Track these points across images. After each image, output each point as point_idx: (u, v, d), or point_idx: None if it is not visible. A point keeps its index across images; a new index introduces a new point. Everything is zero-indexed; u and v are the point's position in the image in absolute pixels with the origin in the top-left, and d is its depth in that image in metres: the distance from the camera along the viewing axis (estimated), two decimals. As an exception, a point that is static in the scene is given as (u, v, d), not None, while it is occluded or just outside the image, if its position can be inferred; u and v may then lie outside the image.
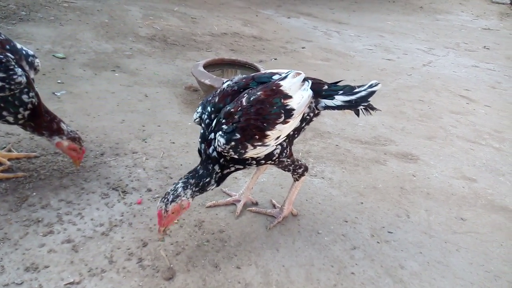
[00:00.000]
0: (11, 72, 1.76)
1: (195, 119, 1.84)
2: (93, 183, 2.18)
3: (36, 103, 1.94)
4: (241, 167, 1.80)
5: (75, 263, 1.67)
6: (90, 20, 4.79)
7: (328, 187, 2.42)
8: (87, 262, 1.68)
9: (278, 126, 1.66)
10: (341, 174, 2.60)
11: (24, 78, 1.82)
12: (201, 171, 1.76)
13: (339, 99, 1.84)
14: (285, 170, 1.93)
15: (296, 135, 1.85)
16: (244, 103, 1.65)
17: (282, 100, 1.67)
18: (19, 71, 1.80)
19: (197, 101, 3.41)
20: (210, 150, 1.72)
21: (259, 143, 1.64)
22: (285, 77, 1.75)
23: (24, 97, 1.86)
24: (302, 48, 5.58)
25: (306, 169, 1.97)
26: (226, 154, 1.66)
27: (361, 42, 6.43)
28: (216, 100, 1.76)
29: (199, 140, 1.81)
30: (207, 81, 3.17)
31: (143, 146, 2.61)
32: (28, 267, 1.61)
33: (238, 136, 1.60)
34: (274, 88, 1.70)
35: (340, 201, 2.32)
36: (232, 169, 1.80)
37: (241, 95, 1.71)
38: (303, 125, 1.84)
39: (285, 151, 1.80)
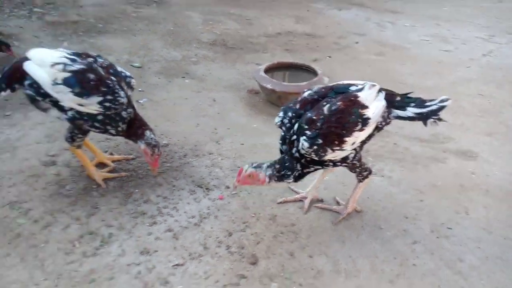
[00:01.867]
0: (116, 95, 2.13)
1: (276, 122, 2.12)
2: (181, 181, 2.56)
3: (132, 116, 2.32)
4: (320, 167, 2.08)
5: (177, 248, 2.05)
6: (157, 29, 5.26)
7: (388, 185, 2.61)
8: (186, 248, 2.05)
9: (355, 134, 1.90)
10: (400, 172, 2.76)
11: (126, 99, 2.19)
12: (287, 163, 2.04)
13: (410, 111, 2.03)
14: (352, 171, 2.17)
15: (367, 141, 2.07)
16: (326, 112, 1.90)
17: (360, 110, 1.91)
18: (122, 93, 2.16)
19: (259, 104, 3.71)
20: (293, 150, 2.00)
21: (338, 148, 1.90)
22: (361, 89, 1.98)
23: (123, 113, 2.23)
24: (356, 43, 5.65)
25: (370, 172, 2.19)
26: (307, 156, 1.93)
27: (417, 33, 6.32)
28: (298, 107, 2.04)
29: (280, 141, 2.11)
30: (268, 86, 3.45)
31: (218, 148, 2.96)
32: (142, 251, 2.02)
33: (320, 141, 1.87)
34: (352, 98, 1.94)
35: (400, 198, 2.50)
36: (312, 169, 2.08)
37: (320, 104, 1.96)
38: (375, 132, 2.06)
39: (358, 155, 2.04)
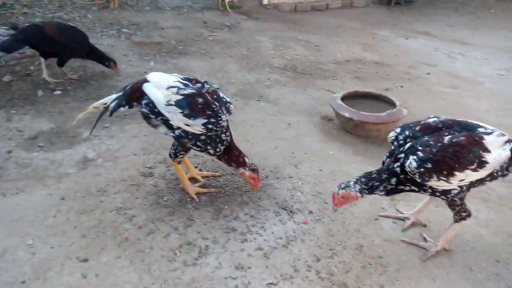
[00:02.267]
0: (219, 119, 2.32)
1: (390, 137, 2.20)
2: (265, 201, 2.69)
3: (229, 141, 2.51)
4: (416, 189, 2.10)
5: (269, 267, 2.15)
6: (232, 52, 5.57)
7: (475, 225, 2.55)
8: (277, 268, 2.15)
9: (468, 172, 1.93)
10: (487, 213, 2.69)
11: (226, 123, 2.38)
12: (374, 175, 2.14)
13: None
14: (450, 208, 2.16)
15: (476, 185, 2.07)
16: (445, 141, 1.95)
17: (481, 152, 1.93)
18: (223, 117, 2.35)
19: (333, 131, 3.79)
20: (395, 165, 2.07)
21: (444, 179, 1.93)
22: (490, 133, 2.01)
23: (223, 136, 2.42)
24: (427, 74, 5.59)
25: (469, 214, 2.17)
26: (410, 175, 1.98)
27: (490, 66, 6.13)
28: (417, 129, 2.12)
29: (387, 154, 2.20)
30: (346, 114, 3.53)
31: (297, 172, 3.07)
32: (237, 266, 2.15)
33: (429, 166, 1.91)
34: (477, 139, 1.96)
35: (489, 240, 2.44)
36: (407, 188, 2.12)
37: (442, 132, 2.02)
38: (487, 179, 2.05)
39: (461, 193, 2.04)
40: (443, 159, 1.90)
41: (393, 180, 2.09)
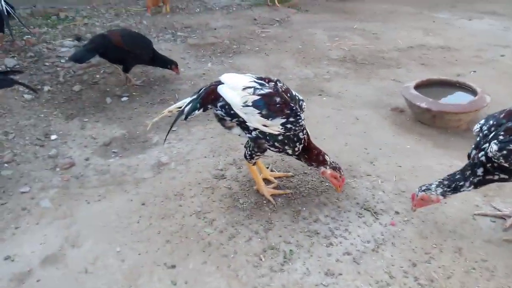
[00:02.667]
0: (297, 117, 2.23)
1: (475, 129, 2.11)
2: (345, 202, 2.55)
3: (306, 139, 2.40)
4: (506, 177, 1.99)
5: (361, 274, 2.02)
6: (286, 48, 5.44)
7: None
8: (371, 275, 2.01)
9: None
10: None
11: (304, 122, 2.27)
12: (457, 176, 2.10)
13: None
14: None
15: None
16: None
17: None
18: (302, 116, 2.25)
19: (407, 123, 3.54)
20: (480, 154, 1.98)
21: None
22: None
23: (300, 134, 2.32)
24: (501, 56, 5.09)
25: None
26: (495, 160, 1.89)
27: None
28: (501, 116, 2.01)
29: (472, 146, 2.08)
30: (422, 104, 3.27)
31: (374, 169, 2.88)
32: (327, 272, 2.04)
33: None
34: None
35: None
36: (496, 177, 2.01)
37: None
38: None
39: None
40: None
41: (480, 171, 2.01)
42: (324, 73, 4.67)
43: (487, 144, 1.94)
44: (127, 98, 4.12)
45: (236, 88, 2.25)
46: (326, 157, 2.42)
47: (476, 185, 2.07)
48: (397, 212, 2.43)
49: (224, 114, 2.32)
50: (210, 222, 2.39)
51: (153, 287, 2.00)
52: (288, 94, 2.34)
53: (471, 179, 2.04)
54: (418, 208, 2.22)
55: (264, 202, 2.55)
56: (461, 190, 2.08)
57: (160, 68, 4.53)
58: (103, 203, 2.62)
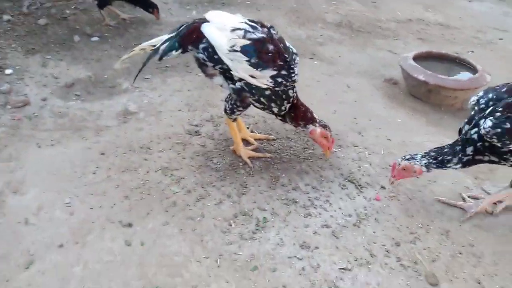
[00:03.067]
0: (291, 71, 1.93)
1: (471, 101, 1.92)
2: (328, 172, 2.32)
3: (295, 97, 2.12)
4: (495, 160, 1.83)
5: (340, 249, 1.83)
6: (280, 5, 5.03)
7: None
8: (350, 251, 1.82)
9: None
10: None
11: (297, 77, 1.98)
12: (446, 149, 1.93)
13: None
14: None
15: None
16: None
17: None
18: (296, 70, 1.95)
19: (400, 96, 3.31)
20: (472, 131, 1.81)
21: None
22: None
23: (290, 92, 2.04)
24: (500, 39, 4.89)
25: None
26: (487, 139, 1.72)
27: None
28: (503, 90, 1.82)
29: (465, 120, 1.92)
30: (420, 77, 3.03)
31: (361, 140, 2.66)
32: (302, 245, 1.83)
33: (508, 126, 1.66)
34: None
35: None
36: (486, 158, 1.85)
37: None
38: None
39: None
40: None
41: (470, 150, 1.85)
42: (317, 36, 4.33)
43: (483, 120, 1.76)
44: (98, 39, 3.68)
45: (224, 29, 1.92)
46: (314, 114, 2.17)
47: (464, 164, 1.91)
48: (383, 187, 2.23)
49: (206, 59, 1.99)
50: (178, 181, 2.12)
51: (104, 246, 1.74)
52: (282, 44, 2.03)
53: (459, 155, 1.88)
54: (398, 180, 2.03)
55: (240, 164, 2.30)
56: (447, 165, 1.92)
57: (141, 9, 4.07)
58: (56, 149, 2.30)
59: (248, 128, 2.62)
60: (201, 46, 1.96)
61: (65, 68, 3.18)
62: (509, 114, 1.68)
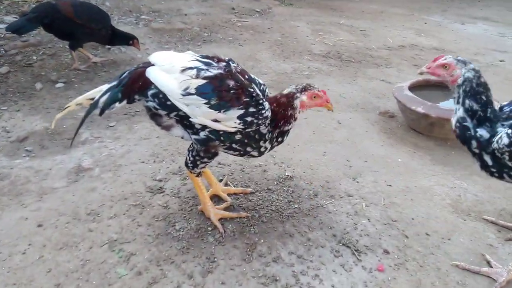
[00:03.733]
0: (260, 107, 1.59)
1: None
2: (318, 232, 1.89)
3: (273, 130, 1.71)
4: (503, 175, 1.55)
5: None
6: (264, 39, 4.79)
7: None
8: None
9: None
10: None
11: (269, 113, 1.62)
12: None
13: None
14: None
15: None
16: None
17: None
18: (266, 104, 1.61)
19: (399, 131, 2.93)
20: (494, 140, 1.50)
21: None
22: None
23: (263, 128, 1.66)
24: (500, 61, 4.59)
25: None
26: (499, 154, 1.49)
27: None
28: None
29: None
30: (419, 109, 2.66)
31: (357, 188, 2.25)
32: None
33: None
34: None
35: None
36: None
37: None
38: None
39: None
40: None
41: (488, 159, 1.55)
42: (304, 69, 4.03)
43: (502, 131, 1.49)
44: (62, 85, 3.37)
45: (173, 71, 1.59)
46: (287, 91, 1.69)
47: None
48: (386, 251, 1.79)
49: (158, 107, 1.65)
50: (127, 258, 1.69)
51: None
52: (246, 76, 1.71)
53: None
54: (430, 73, 1.64)
55: (209, 228, 1.87)
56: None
57: (115, 50, 3.83)
58: (-16, 222, 1.89)
59: (221, 180, 2.22)
60: (150, 92, 1.64)
61: (20, 120, 2.84)
62: None
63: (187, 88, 1.56)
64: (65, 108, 1.77)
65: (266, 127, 1.67)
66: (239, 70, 1.70)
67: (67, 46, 3.58)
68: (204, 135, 1.64)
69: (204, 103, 1.55)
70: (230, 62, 1.71)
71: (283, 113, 1.67)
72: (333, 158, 2.54)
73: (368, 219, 2.00)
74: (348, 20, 6.02)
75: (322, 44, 4.72)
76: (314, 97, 1.69)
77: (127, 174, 2.26)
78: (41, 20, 3.30)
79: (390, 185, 2.28)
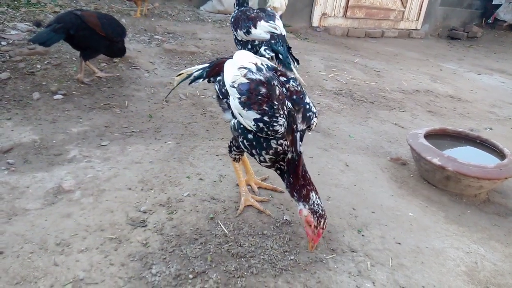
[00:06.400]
0: (274, 119, 1.71)
1: None
2: (314, 293, 1.65)
3: (291, 157, 1.79)
4: None
5: None
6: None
7: None
8: None
9: None
10: None
11: (283, 128, 1.72)
12: None
13: None
14: None
15: None
16: None
17: None
18: (281, 121, 1.71)
19: (411, 181, 2.71)
20: None
21: None
22: None
23: (273, 143, 1.77)
24: (519, 115, 4.41)
25: None
26: None
27: None
28: None
29: None
30: (435, 160, 2.45)
31: (362, 242, 2.01)
32: None
33: None
34: None
35: None
36: None
37: None
38: None
39: None
40: None
41: None
42: (314, 104, 3.87)
43: None
44: (61, 97, 3.23)
45: (235, 66, 1.88)
46: (312, 194, 1.79)
47: None
48: (392, 326, 1.53)
49: (218, 91, 1.99)
50: (90, 304, 1.46)
51: None
52: (294, 97, 1.83)
53: None
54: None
55: (191, 276, 1.63)
56: None
57: (123, 65, 3.75)
58: None
59: (212, 218, 2.00)
60: (218, 78, 2.01)
61: (9, 130, 2.68)
62: None
63: (234, 82, 1.81)
64: (179, 74, 2.17)
65: (277, 143, 1.76)
66: (292, 89, 1.83)
67: (80, 56, 3.48)
68: (233, 123, 1.89)
69: (237, 97, 1.78)
70: (291, 80, 1.87)
71: (296, 184, 1.81)
72: (337, 205, 2.31)
73: (373, 283, 1.75)
74: (362, 59, 5.95)
75: (334, 81, 4.60)
76: (309, 225, 1.73)
77: (109, 201, 2.05)
78: (67, 31, 3.23)
79: (399, 243, 2.04)
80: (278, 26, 3.25)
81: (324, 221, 1.72)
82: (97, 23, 3.34)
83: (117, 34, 3.54)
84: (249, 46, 3.49)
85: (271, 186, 2.35)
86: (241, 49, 3.76)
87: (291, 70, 3.34)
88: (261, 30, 3.22)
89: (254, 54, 3.52)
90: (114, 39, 3.51)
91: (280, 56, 3.24)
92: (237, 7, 3.55)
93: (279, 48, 3.21)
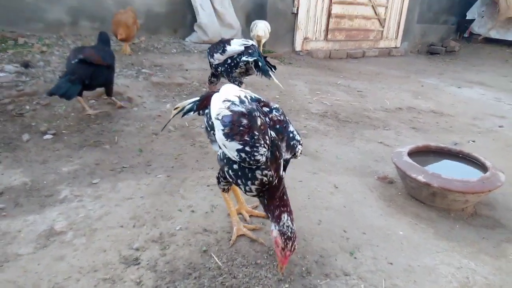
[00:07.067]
0: (254, 149, 1.75)
1: None
2: (310, 321, 1.66)
3: (268, 183, 1.82)
4: None
5: None
6: (262, 95, 4.76)
7: None
8: None
9: None
10: None
11: (263, 158, 1.75)
12: None
13: None
14: None
15: None
16: None
17: None
18: (262, 151, 1.75)
19: (398, 199, 2.76)
20: None
21: None
22: None
23: (257, 173, 1.79)
24: (500, 127, 4.55)
25: None
26: None
27: None
28: None
29: None
30: (419, 177, 2.52)
31: (354, 265, 2.04)
32: None
33: None
34: None
35: None
36: None
37: None
38: None
39: None
40: None
41: None
42: (301, 128, 3.97)
43: None
44: (51, 136, 3.26)
45: (220, 99, 1.94)
46: (284, 215, 1.82)
47: None
48: None
49: (206, 123, 2.09)
50: None
51: None
52: (278, 126, 1.87)
53: None
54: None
55: (185, 312, 1.64)
56: None
57: (109, 103, 3.82)
58: None
59: (205, 250, 2.02)
60: (206, 111, 2.09)
61: (-1, 173, 2.69)
62: None
63: (218, 114, 1.87)
64: (176, 108, 2.25)
65: (262, 173, 1.79)
66: (275, 119, 1.88)
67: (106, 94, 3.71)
68: (219, 153, 1.96)
69: (221, 129, 1.84)
70: (274, 110, 1.93)
71: (272, 203, 1.85)
72: (328, 228, 2.35)
73: (367, 306, 1.77)
74: (345, 80, 6.12)
75: (319, 104, 4.72)
76: (277, 245, 1.78)
77: (102, 240, 2.06)
78: (83, 80, 3.36)
79: (391, 263, 2.07)
80: (249, 40, 3.75)
81: (292, 244, 1.75)
82: (98, 58, 3.48)
83: (111, 58, 3.69)
84: (229, 61, 3.79)
85: (263, 213, 2.36)
86: (221, 72, 3.99)
87: (269, 76, 3.70)
88: (235, 45, 3.71)
89: (235, 66, 3.79)
90: (112, 65, 3.66)
91: (260, 64, 3.66)
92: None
93: (257, 57, 3.65)
